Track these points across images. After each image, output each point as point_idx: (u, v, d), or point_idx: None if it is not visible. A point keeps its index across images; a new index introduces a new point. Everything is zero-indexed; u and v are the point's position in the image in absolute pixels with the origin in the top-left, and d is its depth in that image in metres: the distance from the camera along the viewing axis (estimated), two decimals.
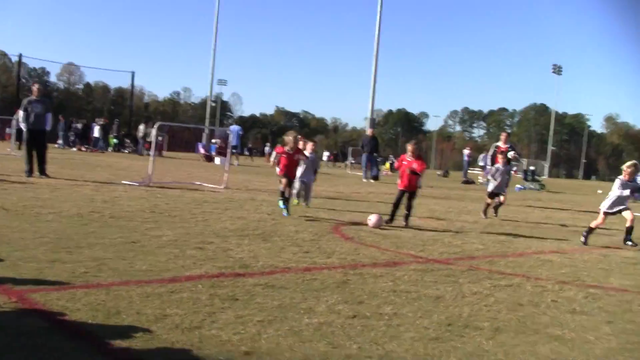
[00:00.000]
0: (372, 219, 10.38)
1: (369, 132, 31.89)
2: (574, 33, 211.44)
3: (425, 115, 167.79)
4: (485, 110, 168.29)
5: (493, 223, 12.75)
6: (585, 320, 5.33)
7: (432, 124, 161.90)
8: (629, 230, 10.44)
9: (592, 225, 10.60)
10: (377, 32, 38.51)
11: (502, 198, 14.08)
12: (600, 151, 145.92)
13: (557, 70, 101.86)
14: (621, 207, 10.51)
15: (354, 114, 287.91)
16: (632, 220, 10.37)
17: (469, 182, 34.12)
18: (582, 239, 10.47)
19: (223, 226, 9.24)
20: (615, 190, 10.47)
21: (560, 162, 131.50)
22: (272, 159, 11.28)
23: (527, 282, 6.81)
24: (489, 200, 13.97)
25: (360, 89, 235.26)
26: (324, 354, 3.91)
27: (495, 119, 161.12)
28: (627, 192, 10.34)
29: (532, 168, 38.49)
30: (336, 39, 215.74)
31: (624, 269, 8.29)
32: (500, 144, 19.29)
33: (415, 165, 10.84)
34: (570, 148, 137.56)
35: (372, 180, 27.57)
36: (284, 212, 10.73)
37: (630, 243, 10.36)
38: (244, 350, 3.86)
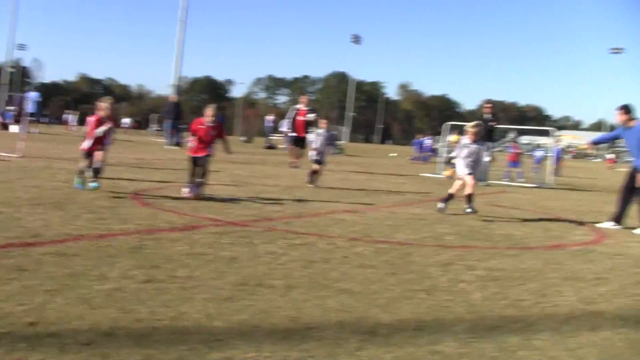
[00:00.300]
0: (186, 190, 9.97)
1: (172, 98, 31.41)
2: (372, 4, 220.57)
3: (230, 82, 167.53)
4: (289, 77, 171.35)
5: (292, 186, 13.09)
6: (372, 274, 5.66)
7: (237, 91, 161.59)
8: (470, 198, 10.03)
9: (466, 192, 10.13)
10: None
11: (320, 166, 13.64)
12: (394, 117, 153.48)
13: (356, 40, 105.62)
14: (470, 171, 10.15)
15: (160, 80, 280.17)
16: (473, 187, 10.10)
17: (271, 147, 34.67)
18: (441, 205, 10.24)
19: (15, 195, 8.72)
20: (462, 153, 10.17)
21: (359, 127, 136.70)
22: (87, 142, 9.95)
23: (320, 240, 7.09)
24: (316, 167, 13.66)
25: (166, 55, 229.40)
26: (114, 320, 3.85)
27: (299, 86, 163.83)
28: (475, 150, 10.14)
29: (334, 133, 39.79)
30: (141, 1, 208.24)
31: (410, 225, 8.87)
32: (301, 106, 19.66)
33: (212, 132, 10.35)
34: (368, 114, 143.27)
35: (175, 147, 27.23)
36: (77, 185, 10.02)
37: (470, 210, 9.96)
38: (28, 321, 3.70)
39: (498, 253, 7.22)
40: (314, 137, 14.01)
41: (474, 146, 10.23)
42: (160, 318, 3.96)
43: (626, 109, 10.47)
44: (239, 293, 4.66)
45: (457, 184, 10.35)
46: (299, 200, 10.70)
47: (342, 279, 5.35)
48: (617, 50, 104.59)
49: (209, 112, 10.41)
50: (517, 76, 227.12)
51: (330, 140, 14.37)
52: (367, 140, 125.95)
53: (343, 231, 7.85)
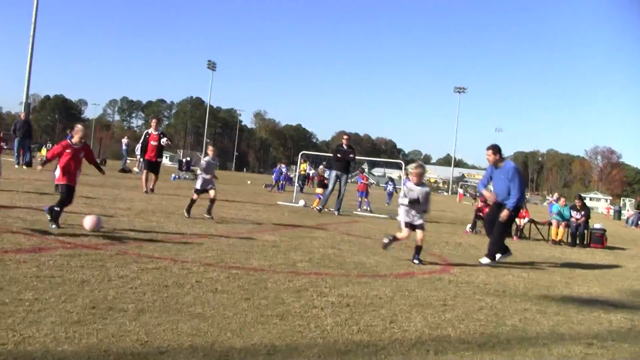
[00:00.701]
0: (88, 220, 8.92)
1: (22, 116, 30.26)
2: (227, 30, 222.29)
3: (84, 102, 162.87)
4: (144, 100, 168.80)
5: (146, 210, 12.84)
6: (225, 299, 5.67)
7: (91, 112, 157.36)
8: (418, 250, 9.58)
9: (398, 236, 9.75)
10: (34, 12, 36.05)
11: (212, 193, 12.78)
12: (250, 145, 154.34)
13: (212, 66, 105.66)
14: (419, 222, 9.64)
15: (10, 97, 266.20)
16: (422, 240, 9.61)
17: (126, 170, 33.79)
18: (386, 240, 9.88)
19: None
20: (403, 197, 9.70)
21: None
22: None
23: (174, 265, 7.01)
24: (195, 197, 12.75)
25: (17, 71, 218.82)
26: None
27: (154, 110, 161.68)
28: (414, 194, 9.58)
29: (188, 159, 39.46)
30: None
31: (264, 252, 8.93)
32: (152, 130, 19.33)
33: (81, 154, 9.46)
34: (224, 141, 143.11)
35: (24, 167, 26.06)
36: None
37: (417, 262, 9.50)
38: None
39: (350, 280, 7.41)
40: (204, 166, 12.90)
41: (419, 189, 9.65)
42: (3, 342, 3.79)
43: (495, 150, 10.65)
44: (88, 317, 4.54)
45: (403, 234, 9.68)
46: (153, 225, 10.50)
47: (195, 304, 5.32)
48: (460, 90, 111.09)
49: (78, 132, 9.50)
50: (371, 110, 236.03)
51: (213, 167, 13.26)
52: (223, 167, 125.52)
53: (197, 256, 7.80)
